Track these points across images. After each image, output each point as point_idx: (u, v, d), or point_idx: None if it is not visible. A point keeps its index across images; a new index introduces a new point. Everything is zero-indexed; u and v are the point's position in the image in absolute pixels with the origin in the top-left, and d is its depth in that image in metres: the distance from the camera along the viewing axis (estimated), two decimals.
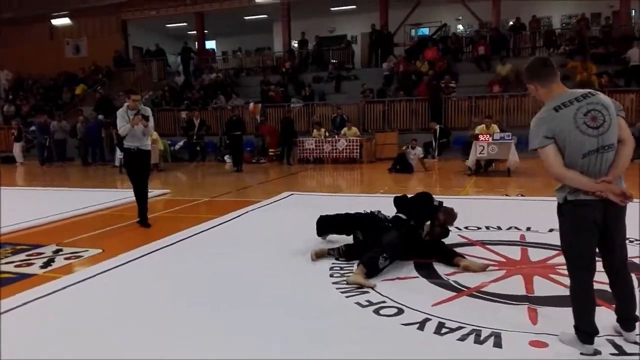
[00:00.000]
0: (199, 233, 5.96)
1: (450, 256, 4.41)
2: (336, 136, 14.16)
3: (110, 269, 4.59)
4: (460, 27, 21.05)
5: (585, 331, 2.77)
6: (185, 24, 23.77)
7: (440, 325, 3.23)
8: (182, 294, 3.94)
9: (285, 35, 21.08)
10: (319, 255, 4.65)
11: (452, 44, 18.42)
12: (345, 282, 4.05)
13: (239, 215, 6.92)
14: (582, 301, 2.79)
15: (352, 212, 5.10)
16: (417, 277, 4.20)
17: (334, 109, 15.79)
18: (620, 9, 16.89)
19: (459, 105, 14.82)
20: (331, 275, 4.27)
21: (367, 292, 3.86)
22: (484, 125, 11.15)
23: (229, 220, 6.65)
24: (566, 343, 2.89)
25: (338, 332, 3.21)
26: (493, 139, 10.33)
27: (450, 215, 4.85)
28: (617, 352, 2.80)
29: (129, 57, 23.31)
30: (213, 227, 6.26)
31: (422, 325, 3.25)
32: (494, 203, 7.44)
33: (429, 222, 4.78)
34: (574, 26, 18.00)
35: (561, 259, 4.48)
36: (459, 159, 12.90)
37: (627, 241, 2.92)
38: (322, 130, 14.47)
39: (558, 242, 5.01)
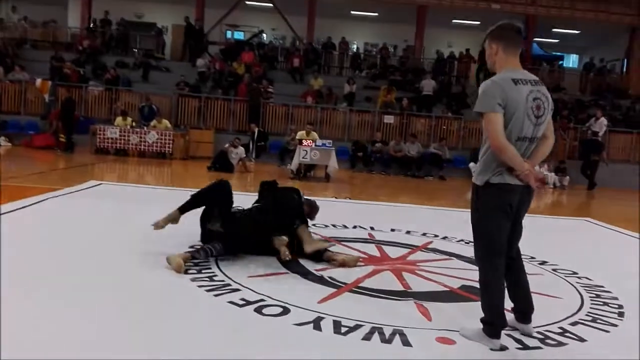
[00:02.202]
0: None
1: (320, 252, 4.04)
2: (145, 127, 12.80)
3: None
4: (270, 37, 21.21)
5: (495, 323, 2.65)
6: None
7: (337, 324, 2.82)
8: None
9: (85, 10, 18.61)
10: (184, 261, 3.53)
11: (269, 52, 18.51)
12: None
13: (36, 202, 5.50)
14: (495, 290, 2.66)
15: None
16: (287, 272, 3.73)
17: (142, 98, 14.32)
18: (415, 44, 19.11)
19: (276, 111, 14.80)
20: (186, 272, 3.51)
21: (238, 289, 3.25)
22: (304, 132, 11.23)
23: (24, 207, 5.22)
24: (471, 338, 2.73)
25: (223, 338, 2.56)
26: (316, 145, 10.44)
27: (314, 207, 4.51)
28: (520, 346, 2.74)
29: None
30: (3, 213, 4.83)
31: (316, 324, 2.80)
32: (328, 204, 7.33)
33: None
34: (376, 53, 19.72)
35: (417, 256, 4.56)
36: (275, 164, 12.81)
37: None
38: (129, 119, 12.94)
39: (405, 241, 5.22)
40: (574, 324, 3.12)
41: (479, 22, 20.10)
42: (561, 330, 2.98)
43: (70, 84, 14.46)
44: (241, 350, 2.44)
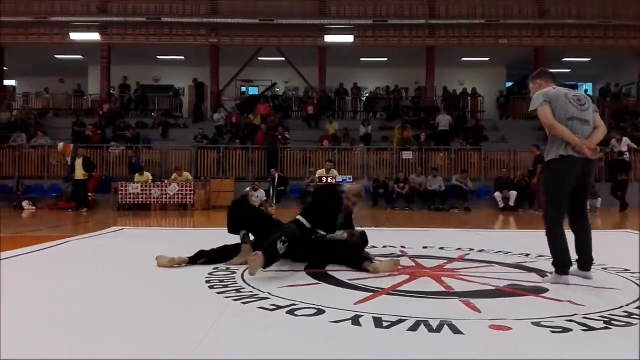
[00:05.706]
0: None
1: (360, 261, 3.91)
2: (166, 180, 12.86)
3: None
4: (283, 89, 21.61)
5: (561, 261, 3.45)
6: None
7: (378, 320, 2.58)
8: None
9: (104, 77, 19.28)
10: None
11: (284, 103, 18.83)
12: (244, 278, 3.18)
13: (58, 244, 5.41)
14: (559, 237, 3.46)
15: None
16: (319, 283, 3.51)
17: (162, 155, 14.51)
18: (426, 85, 19.26)
19: (294, 156, 14.84)
20: (211, 288, 3.33)
21: (268, 298, 3.04)
22: (324, 170, 11.17)
23: (44, 249, 5.13)
24: (550, 281, 3.47)
25: (254, 335, 2.35)
26: (336, 182, 10.32)
27: (356, 194, 4.33)
28: (585, 328, 2.49)
29: None
30: (29, 252, 4.74)
31: (355, 321, 2.56)
32: None
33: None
34: (389, 95, 19.87)
35: (455, 265, 4.30)
36: (297, 208, 12.65)
37: None
38: (146, 174, 13.05)
39: (440, 254, 4.96)
40: (639, 307, 2.83)
41: (488, 58, 20.29)
42: (626, 314, 2.70)
43: (92, 146, 14.77)
44: (274, 347, 2.22)
